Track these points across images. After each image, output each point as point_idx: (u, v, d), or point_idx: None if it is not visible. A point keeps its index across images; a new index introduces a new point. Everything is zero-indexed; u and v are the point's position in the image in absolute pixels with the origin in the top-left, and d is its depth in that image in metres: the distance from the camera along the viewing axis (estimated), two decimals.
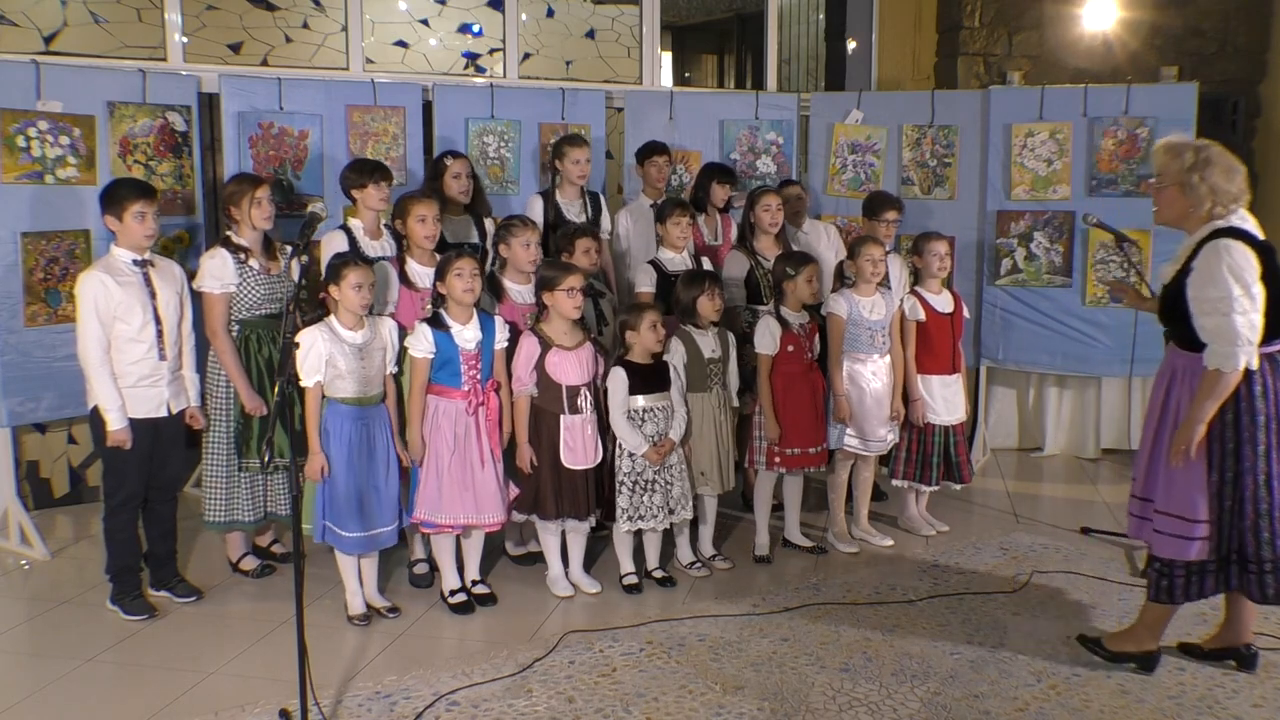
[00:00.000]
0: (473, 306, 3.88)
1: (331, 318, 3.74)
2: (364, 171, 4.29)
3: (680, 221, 4.61)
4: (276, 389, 3.02)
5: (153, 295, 3.81)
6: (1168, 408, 3.35)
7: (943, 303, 4.71)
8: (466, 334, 3.85)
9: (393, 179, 4.39)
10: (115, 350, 3.76)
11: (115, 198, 3.77)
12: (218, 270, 4.00)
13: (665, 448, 4.03)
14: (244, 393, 4.04)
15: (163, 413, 3.88)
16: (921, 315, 4.64)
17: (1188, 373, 3.28)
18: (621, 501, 4.05)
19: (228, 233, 4.08)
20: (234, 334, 4.05)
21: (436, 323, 3.83)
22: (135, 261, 3.79)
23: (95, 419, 3.80)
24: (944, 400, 4.69)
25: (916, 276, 4.79)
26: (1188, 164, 3.22)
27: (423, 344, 3.82)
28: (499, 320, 3.97)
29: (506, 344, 3.97)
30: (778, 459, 4.40)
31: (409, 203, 4.14)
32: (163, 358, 3.84)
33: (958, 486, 4.86)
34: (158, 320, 3.81)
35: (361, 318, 3.76)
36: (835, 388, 4.47)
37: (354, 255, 3.85)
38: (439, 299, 3.87)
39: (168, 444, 3.95)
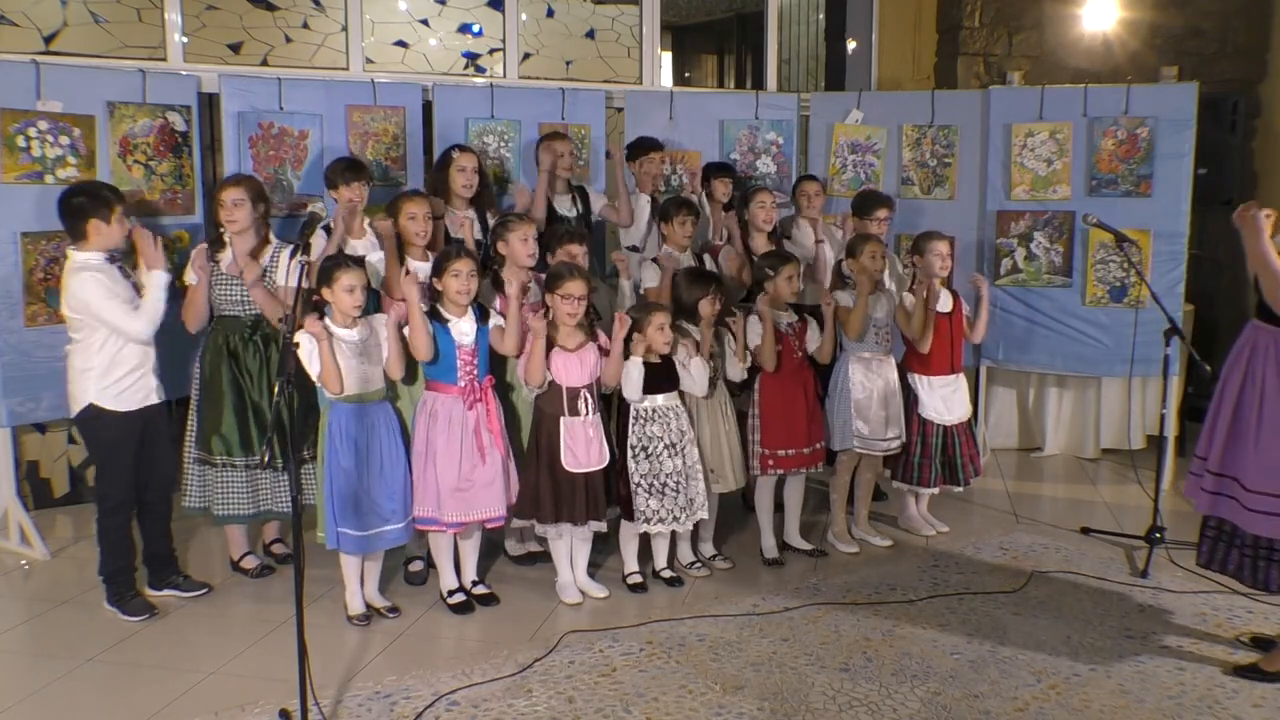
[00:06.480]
0: (468, 305, 3.89)
1: (327, 318, 3.72)
2: (336, 171, 4.32)
3: (685, 221, 4.66)
4: (277, 389, 3.02)
5: (136, 287, 3.82)
6: (1250, 380, 3.39)
7: (941, 303, 4.67)
8: (463, 326, 3.87)
9: (367, 178, 4.39)
10: (106, 343, 3.73)
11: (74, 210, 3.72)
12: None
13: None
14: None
15: (152, 400, 3.88)
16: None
17: (1273, 345, 3.36)
18: (638, 504, 4.04)
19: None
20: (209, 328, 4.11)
21: (434, 316, 3.85)
22: (109, 258, 3.77)
23: (86, 421, 3.78)
24: (943, 399, 4.66)
25: (914, 278, 4.73)
26: None
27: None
28: (494, 310, 3.99)
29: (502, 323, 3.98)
30: (771, 461, 4.39)
31: (400, 200, 4.18)
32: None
33: (958, 490, 4.80)
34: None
35: (355, 319, 3.76)
36: (826, 320, 4.41)
37: (344, 257, 3.85)
38: (436, 294, 3.88)
39: (156, 436, 3.93)
